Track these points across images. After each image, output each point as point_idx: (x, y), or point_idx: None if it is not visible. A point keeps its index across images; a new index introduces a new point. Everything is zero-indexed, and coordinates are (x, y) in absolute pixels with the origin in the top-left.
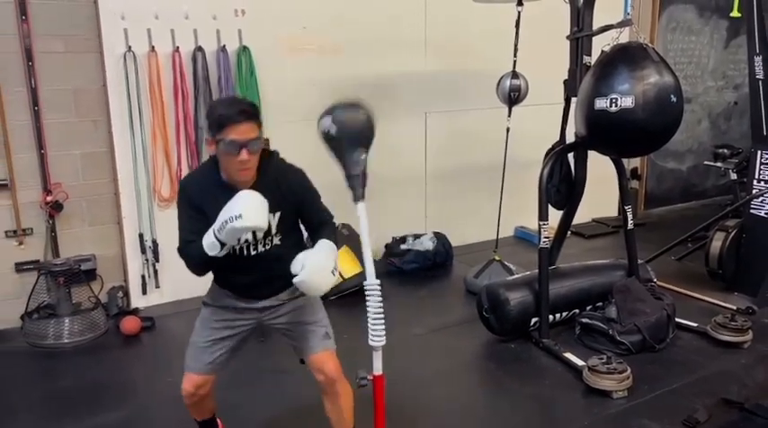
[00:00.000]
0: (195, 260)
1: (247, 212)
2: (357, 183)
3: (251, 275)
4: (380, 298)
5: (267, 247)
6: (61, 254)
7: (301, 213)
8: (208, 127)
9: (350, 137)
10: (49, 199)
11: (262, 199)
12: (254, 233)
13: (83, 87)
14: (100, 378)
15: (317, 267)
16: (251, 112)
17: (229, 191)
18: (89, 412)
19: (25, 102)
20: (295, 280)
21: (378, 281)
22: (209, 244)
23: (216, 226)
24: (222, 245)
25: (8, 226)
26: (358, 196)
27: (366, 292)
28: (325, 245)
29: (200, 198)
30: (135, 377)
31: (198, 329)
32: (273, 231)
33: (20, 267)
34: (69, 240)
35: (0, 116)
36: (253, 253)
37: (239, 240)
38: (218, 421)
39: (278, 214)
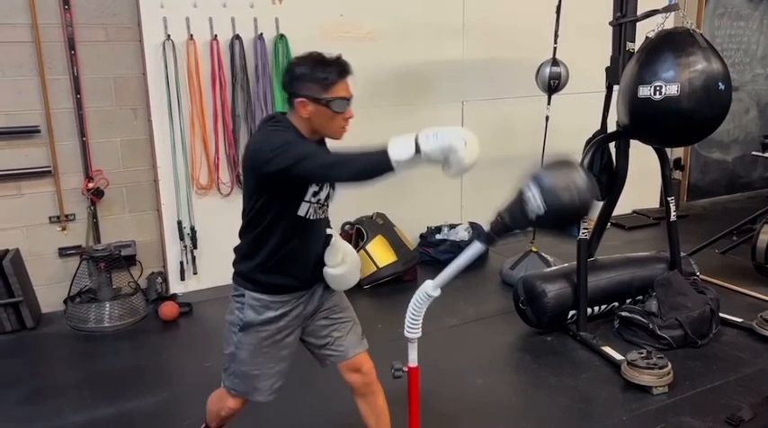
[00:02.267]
0: (361, 164)
1: (472, 149)
2: (502, 234)
3: (313, 244)
4: (427, 305)
5: (323, 214)
6: (102, 239)
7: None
8: (300, 86)
9: (557, 218)
10: (90, 185)
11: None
12: (327, 193)
13: (123, 75)
14: (139, 361)
15: (356, 263)
16: (350, 68)
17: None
18: (128, 394)
19: (68, 89)
20: (333, 271)
21: (438, 293)
22: (401, 147)
23: (428, 137)
24: (416, 153)
25: (52, 212)
26: (490, 240)
27: (423, 295)
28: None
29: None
30: (173, 361)
31: (243, 359)
32: (332, 196)
33: (63, 252)
34: (110, 226)
35: (44, 103)
36: (321, 215)
37: (314, 193)
38: None
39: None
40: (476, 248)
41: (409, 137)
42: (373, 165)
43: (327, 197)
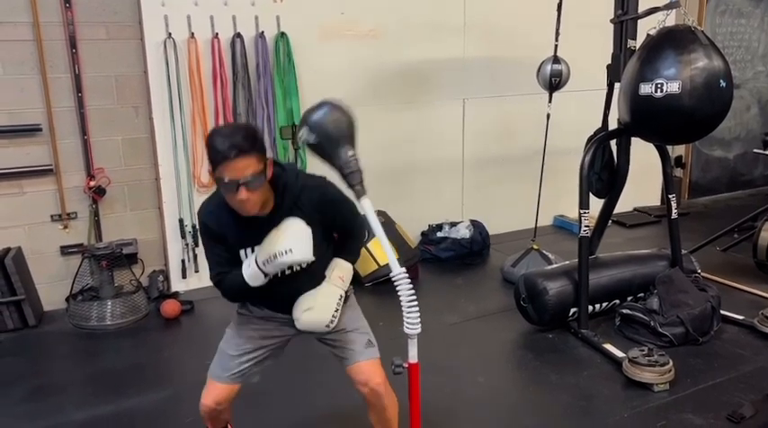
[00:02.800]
0: (234, 291)
1: (297, 245)
2: (354, 181)
3: (285, 293)
4: (410, 286)
5: (302, 265)
6: (104, 237)
7: (329, 227)
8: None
9: (329, 139)
10: (92, 184)
11: (306, 228)
12: None
13: (124, 74)
14: (140, 359)
15: (321, 311)
16: (245, 146)
17: (245, 218)
18: (130, 392)
19: (69, 88)
20: (297, 322)
21: (403, 269)
22: (252, 274)
23: (261, 258)
24: (266, 275)
25: (54, 210)
26: (359, 193)
27: (394, 282)
28: (335, 278)
29: (219, 227)
30: (174, 359)
31: (230, 337)
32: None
33: (65, 250)
34: (112, 224)
35: (46, 102)
36: (287, 273)
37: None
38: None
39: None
40: (369, 208)
41: (250, 261)
42: (239, 289)
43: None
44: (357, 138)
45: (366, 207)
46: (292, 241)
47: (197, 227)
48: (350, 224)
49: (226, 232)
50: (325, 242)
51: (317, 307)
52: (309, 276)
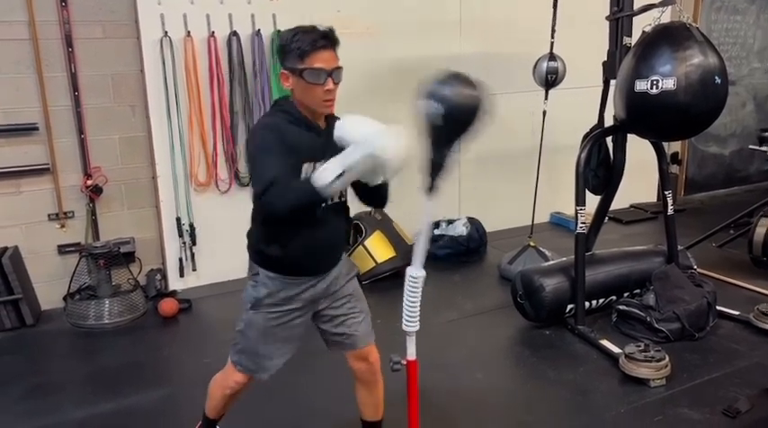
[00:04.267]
0: (298, 197)
1: (395, 148)
2: (436, 176)
3: (324, 231)
4: (420, 289)
5: (337, 199)
6: (101, 236)
7: None
8: (283, 58)
9: (460, 126)
10: (89, 182)
11: (406, 140)
12: None
13: (121, 72)
14: (139, 357)
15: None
16: (336, 40)
17: (310, 128)
18: (128, 390)
19: (66, 87)
20: (340, 124)
21: (423, 273)
22: (330, 180)
23: (348, 159)
24: (341, 175)
25: (51, 209)
26: (431, 189)
27: (409, 281)
28: None
29: (292, 137)
30: (172, 357)
31: (254, 338)
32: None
33: (62, 249)
34: (109, 223)
35: (42, 101)
36: (329, 202)
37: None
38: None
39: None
40: (429, 207)
41: (333, 159)
42: (301, 196)
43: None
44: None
45: (428, 206)
46: (394, 141)
47: (194, 225)
48: None
49: (299, 145)
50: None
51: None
52: (342, 216)
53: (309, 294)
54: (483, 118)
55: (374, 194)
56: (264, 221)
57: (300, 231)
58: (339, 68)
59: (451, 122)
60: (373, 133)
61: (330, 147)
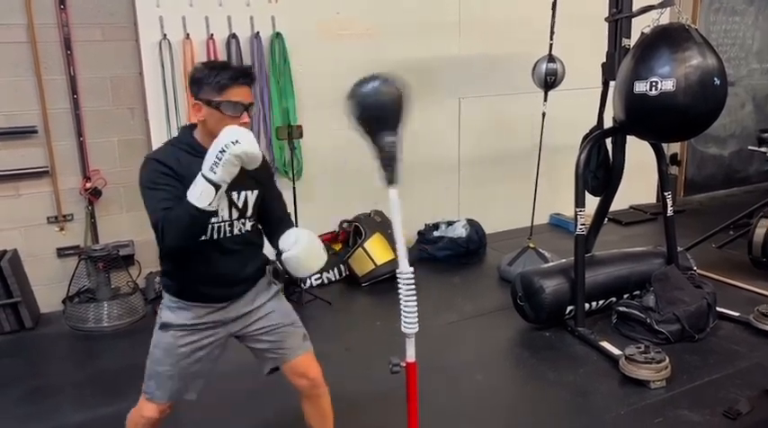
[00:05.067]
0: (181, 222)
1: (244, 138)
2: (386, 167)
3: (222, 263)
4: (413, 286)
5: (241, 231)
6: (100, 239)
7: (266, 200)
8: (198, 90)
9: (374, 118)
10: (88, 185)
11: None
12: (230, 208)
13: (120, 75)
14: (138, 361)
15: (312, 243)
16: (253, 76)
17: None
18: (128, 393)
19: (64, 89)
20: (286, 255)
21: (411, 269)
22: (200, 192)
23: (207, 164)
24: (216, 188)
25: (50, 212)
26: (387, 180)
27: (399, 280)
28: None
29: (178, 165)
30: None
31: (159, 357)
32: (249, 213)
33: (61, 252)
34: (108, 226)
35: (41, 104)
36: (227, 235)
37: (219, 213)
38: None
39: (256, 192)
40: (395, 199)
41: (199, 177)
42: (190, 221)
43: (242, 213)
44: (403, 120)
45: (392, 196)
46: (238, 134)
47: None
48: (285, 209)
49: (185, 173)
50: (259, 211)
51: (302, 242)
52: (250, 248)
53: (216, 317)
54: (396, 104)
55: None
56: (162, 252)
57: (194, 261)
58: (253, 104)
59: (364, 115)
60: (220, 137)
61: (237, 178)
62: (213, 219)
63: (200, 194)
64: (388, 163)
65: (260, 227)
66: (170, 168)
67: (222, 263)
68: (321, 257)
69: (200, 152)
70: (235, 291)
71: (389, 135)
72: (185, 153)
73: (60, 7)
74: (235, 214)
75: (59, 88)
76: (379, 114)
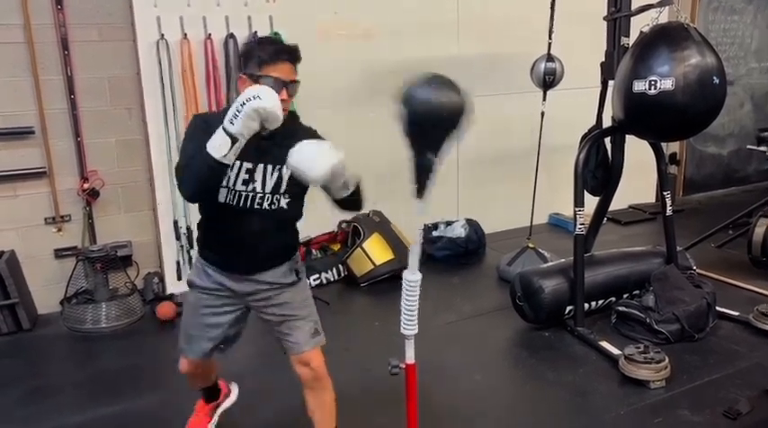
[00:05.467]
0: (196, 169)
1: (265, 95)
2: (419, 180)
3: (246, 233)
4: (417, 293)
5: (273, 207)
6: (98, 240)
7: None
8: (244, 64)
9: (424, 132)
10: (85, 186)
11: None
12: (263, 181)
13: (117, 75)
14: (136, 361)
15: (315, 144)
16: (297, 54)
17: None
18: (127, 394)
19: (62, 90)
20: (289, 158)
21: (419, 276)
22: (217, 143)
23: (227, 117)
24: (233, 140)
25: (47, 213)
26: (417, 192)
27: (405, 285)
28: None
29: (219, 124)
30: (170, 361)
31: (186, 314)
32: (283, 188)
33: (59, 253)
34: (106, 227)
35: (38, 104)
36: (256, 207)
37: (243, 181)
38: (221, 382)
39: (290, 171)
40: (421, 210)
41: (219, 129)
42: (203, 169)
43: (275, 188)
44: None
45: (418, 207)
46: (260, 90)
47: (191, 228)
48: None
49: None
50: (301, 199)
51: (305, 143)
52: (278, 227)
53: (234, 287)
54: (457, 121)
55: (342, 202)
56: (199, 209)
57: (219, 224)
58: (296, 82)
59: (420, 126)
60: (244, 93)
61: (275, 152)
62: (243, 188)
63: (217, 145)
64: (425, 175)
65: (300, 209)
66: (208, 125)
67: (248, 233)
68: (326, 156)
69: None
70: (255, 265)
71: (432, 154)
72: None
73: (57, 7)
74: (268, 187)
75: (56, 88)
76: (436, 127)
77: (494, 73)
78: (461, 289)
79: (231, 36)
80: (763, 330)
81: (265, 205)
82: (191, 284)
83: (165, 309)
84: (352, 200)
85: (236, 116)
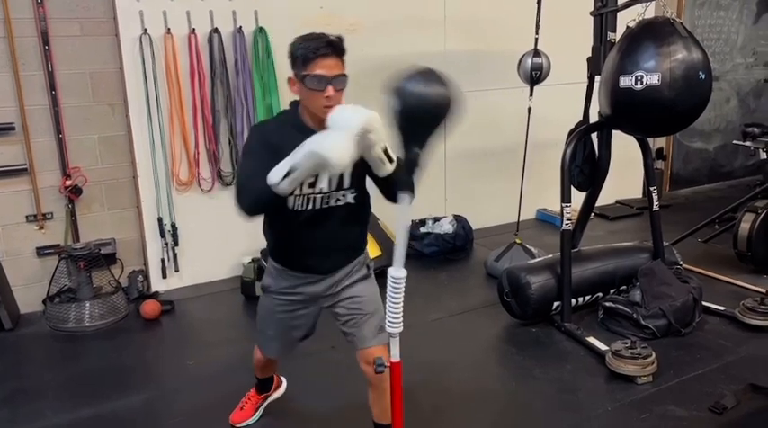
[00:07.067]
0: (252, 190)
1: (329, 145)
2: (409, 172)
3: (319, 234)
4: (403, 290)
5: (339, 203)
6: (81, 238)
7: (367, 162)
8: (291, 64)
9: (412, 125)
10: (68, 183)
11: (350, 143)
12: (329, 184)
13: (99, 70)
14: (121, 361)
15: (350, 107)
16: (339, 46)
17: (305, 132)
18: (111, 394)
19: (42, 85)
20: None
21: (405, 273)
22: (276, 171)
23: (296, 149)
24: (288, 173)
25: (28, 210)
26: (400, 186)
27: (391, 282)
28: None
29: (279, 138)
30: (155, 360)
31: (262, 318)
32: (347, 184)
33: (41, 251)
34: (89, 224)
35: (18, 100)
36: (325, 206)
37: (309, 184)
38: (275, 377)
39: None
40: (406, 203)
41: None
42: (258, 193)
43: (339, 185)
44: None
45: (401, 201)
46: (331, 139)
47: (176, 225)
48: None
49: (285, 145)
50: (365, 188)
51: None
52: (346, 222)
53: (309, 290)
54: (446, 115)
55: (387, 188)
56: (266, 217)
57: (290, 230)
58: (342, 76)
59: (410, 119)
60: (322, 133)
61: None
62: (310, 191)
63: (279, 180)
64: (415, 170)
65: (367, 201)
66: (267, 139)
67: (320, 233)
68: (364, 112)
69: (300, 127)
70: (327, 264)
71: (420, 148)
72: (290, 126)
73: (37, 1)
74: (333, 185)
75: (37, 84)
76: (426, 121)
77: (481, 68)
78: (449, 286)
79: (215, 31)
80: (749, 324)
81: (332, 203)
82: (265, 288)
83: (149, 308)
84: (401, 180)
85: (296, 152)
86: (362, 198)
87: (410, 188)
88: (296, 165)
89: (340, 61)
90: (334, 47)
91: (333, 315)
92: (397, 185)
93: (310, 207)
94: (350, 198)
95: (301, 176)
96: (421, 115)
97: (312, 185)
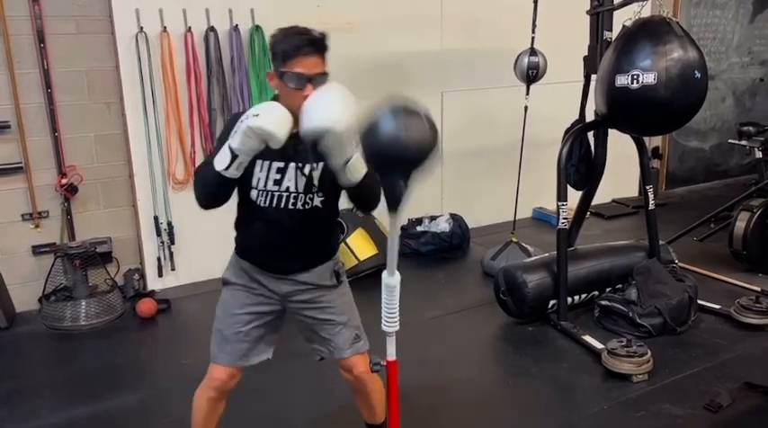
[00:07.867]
0: (203, 179)
1: (266, 113)
2: (391, 199)
3: (281, 233)
4: (397, 293)
5: (307, 206)
6: (77, 236)
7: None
8: (272, 58)
9: (383, 164)
10: (63, 181)
11: (285, 111)
12: (296, 180)
13: (95, 69)
14: (117, 360)
15: (329, 98)
16: (321, 44)
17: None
18: (106, 393)
19: (38, 84)
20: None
21: (398, 279)
22: (221, 156)
23: (234, 129)
24: (233, 156)
25: (24, 209)
26: (389, 207)
27: (385, 289)
28: None
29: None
30: (151, 359)
31: (220, 316)
32: (316, 187)
33: (36, 250)
34: (85, 223)
35: (13, 98)
36: (290, 206)
37: (274, 181)
38: None
39: (321, 165)
40: (394, 223)
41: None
42: (206, 178)
43: (307, 187)
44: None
45: (391, 223)
46: (263, 109)
47: (172, 224)
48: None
49: None
50: (336, 195)
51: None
52: (314, 226)
53: (270, 286)
54: (424, 158)
55: (354, 195)
56: (237, 212)
57: (254, 226)
58: (322, 74)
59: (383, 159)
60: (256, 107)
61: (306, 150)
62: (275, 188)
63: (220, 158)
64: (395, 198)
65: (335, 207)
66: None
67: (283, 233)
68: (345, 102)
69: None
70: (289, 265)
71: (404, 181)
72: None
73: None
74: (301, 187)
75: (33, 82)
76: (393, 163)
77: (477, 67)
78: (445, 284)
79: (212, 29)
80: (744, 323)
81: (299, 205)
82: (225, 281)
83: (145, 306)
84: (360, 191)
85: (236, 132)
86: (331, 205)
87: (367, 200)
88: (235, 140)
89: (321, 59)
90: (316, 45)
91: (299, 323)
92: (362, 199)
93: (275, 204)
94: (317, 202)
95: (245, 156)
96: (396, 157)
97: (278, 183)
